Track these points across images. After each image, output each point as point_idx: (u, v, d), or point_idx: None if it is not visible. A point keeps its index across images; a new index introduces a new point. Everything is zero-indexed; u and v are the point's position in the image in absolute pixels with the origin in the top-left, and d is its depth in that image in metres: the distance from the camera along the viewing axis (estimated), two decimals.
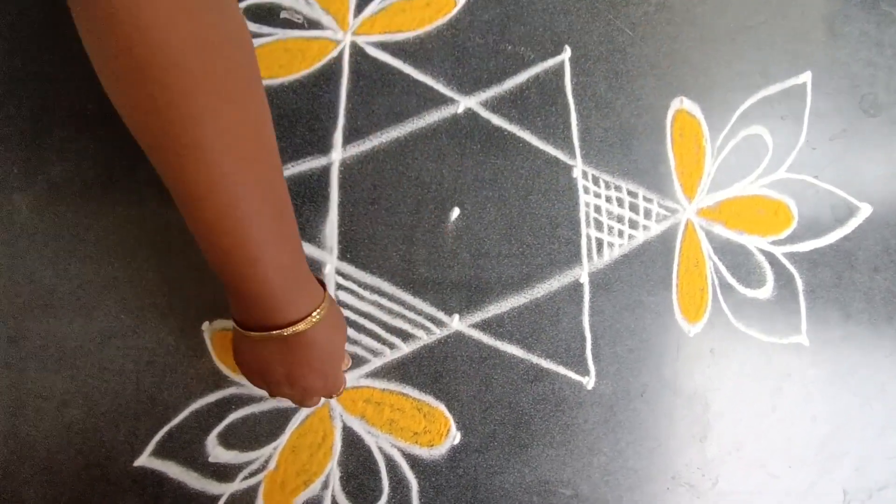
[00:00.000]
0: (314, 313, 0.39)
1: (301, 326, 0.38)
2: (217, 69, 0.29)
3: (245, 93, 0.32)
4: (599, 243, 0.54)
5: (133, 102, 0.30)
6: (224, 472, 0.48)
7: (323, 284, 0.42)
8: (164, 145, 0.30)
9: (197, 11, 0.28)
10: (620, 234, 0.55)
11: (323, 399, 0.49)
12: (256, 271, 0.35)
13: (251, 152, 0.32)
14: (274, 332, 0.38)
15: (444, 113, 0.53)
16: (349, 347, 0.51)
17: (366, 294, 0.51)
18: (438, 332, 0.52)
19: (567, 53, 0.55)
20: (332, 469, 0.50)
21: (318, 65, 0.52)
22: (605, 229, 0.55)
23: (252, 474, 0.49)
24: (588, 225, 0.54)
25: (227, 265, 0.35)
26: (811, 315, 0.57)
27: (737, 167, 0.57)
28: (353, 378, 0.51)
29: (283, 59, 0.52)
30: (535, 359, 0.53)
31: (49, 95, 0.49)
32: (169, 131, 0.29)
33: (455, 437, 0.51)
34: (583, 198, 0.54)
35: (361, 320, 0.51)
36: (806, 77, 0.58)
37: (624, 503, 0.53)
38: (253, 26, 0.51)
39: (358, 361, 0.51)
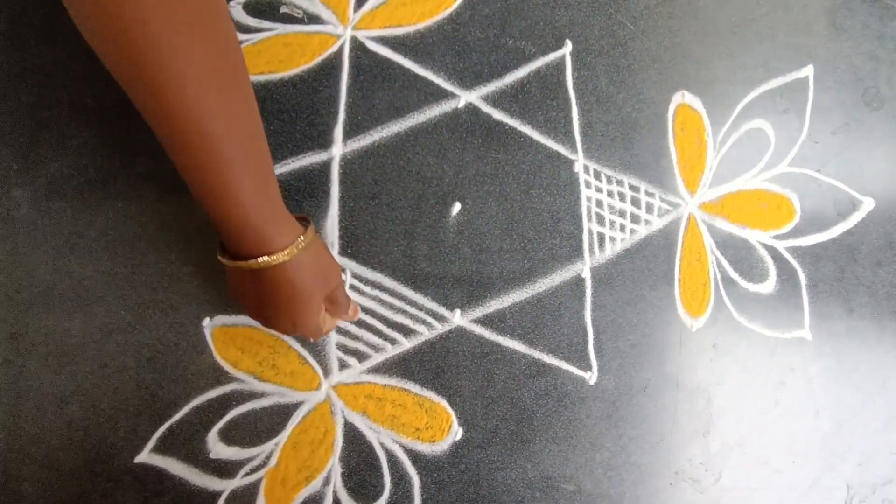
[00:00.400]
0: (280, 252, 0.38)
1: (266, 261, 0.38)
2: (186, 19, 0.30)
3: (206, 20, 0.32)
4: (601, 238, 0.54)
5: (98, 36, 0.31)
6: (225, 469, 0.48)
7: (307, 225, 0.41)
8: (130, 76, 0.32)
9: None
10: (622, 228, 0.55)
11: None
12: (227, 196, 0.36)
13: (218, 78, 0.33)
14: (241, 262, 0.39)
15: (444, 107, 0.53)
16: (349, 343, 0.51)
17: (367, 289, 0.51)
18: (440, 328, 0.52)
19: (568, 48, 0.55)
20: (334, 465, 0.49)
21: (318, 59, 0.52)
22: (607, 224, 0.54)
23: (253, 471, 0.48)
24: (590, 219, 0.54)
25: (200, 189, 0.36)
26: (814, 309, 0.57)
27: (739, 161, 0.57)
28: (354, 374, 0.51)
29: (283, 54, 0.52)
30: (537, 354, 0.52)
31: (48, 92, 0.49)
32: (132, 61, 0.30)
33: (457, 432, 0.51)
34: (584, 192, 0.54)
35: (362, 316, 0.51)
36: (808, 70, 0.58)
37: (627, 498, 0.53)
38: (253, 21, 0.51)
39: (359, 357, 0.51)
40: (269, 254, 0.38)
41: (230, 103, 0.34)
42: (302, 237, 0.40)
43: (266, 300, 0.41)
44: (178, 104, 0.32)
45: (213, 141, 0.33)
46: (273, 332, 0.49)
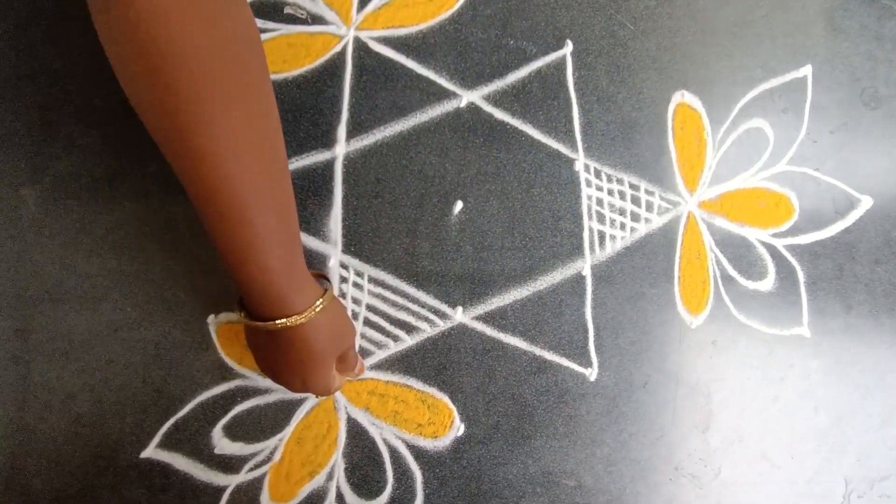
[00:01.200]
0: (298, 315, 0.39)
1: (284, 323, 0.39)
2: (227, 74, 0.31)
3: (254, 94, 0.33)
4: (601, 236, 0.55)
5: (146, 104, 0.31)
6: (230, 464, 0.49)
7: (326, 286, 0.42)
8: (174, 146, 0.32)
9: (211, 18, 0.30)
10: (622, 226, 0.55)
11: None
12: (255, 262, 0.36)
13: (257, 153, 0.34)
14: (259, 323, 0.39)
15: (446, 107, 0.54)
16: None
17: (370, 287, 0.52)
18: (442, 325, 0.52)
19: (569, 48, 0.56)
20: (337, 460, 0.50)
21: (321, 60, 0.53)
22: (608, 222, 0.55)
23: (257, 466, 0.49)
24: (590, 218, 0.55)
25: (228, 254, 0.36)
26: (812, 307, 0.57)
27: (738, 160, 0.57)
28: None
29: (286, 55, 0.52)
30: (538, 351, 0.53)
31: (56, 91, 0.49)
32: (178, 133, 0.31)
33: (459, 428, 0.51)
34: (585, 191, 0.55)
35: (365, 313, 0.51)
36: (806, 70, 0.59)
37: (627, 494, 0.53)
38: (257, 22, 0.52)
39: (362, 353, 0.51)
40: (287, 316, 0.39)
41: (268, 176, 0.35)
42: (321, 300, 0.40)
43: (279, 359, 0.42)
44: (218, 175, 0.32)
45: (247, 212, 0.34)
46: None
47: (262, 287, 0.37)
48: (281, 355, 0.42)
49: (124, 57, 0.30)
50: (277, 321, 0.39)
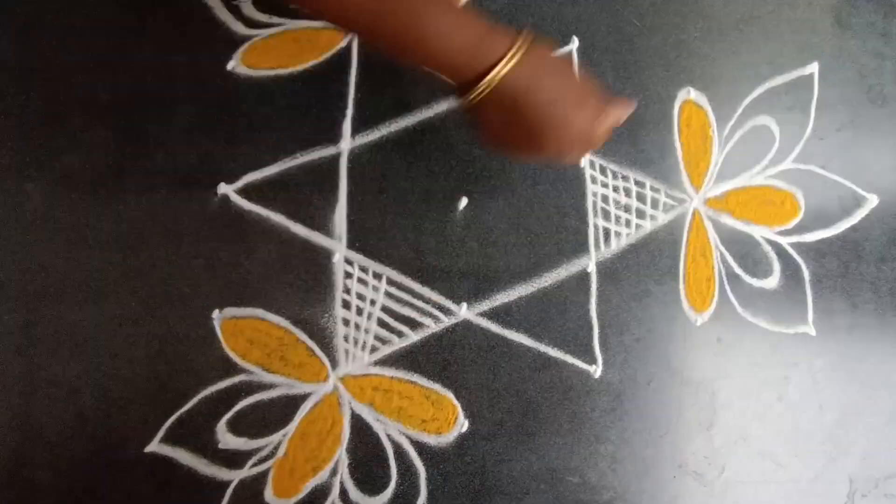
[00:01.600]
0: (504, 59, 0.36)
1: (493, 76, 0.36)
2: None
3: None
4: (607, 233, 0.55)
5: None
6: (234, 459, 0.49)
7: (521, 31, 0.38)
8: None
9: None
10: (628, 223, 0.55)
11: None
12: (427, 29, 0.36)
13: None
14: (478, 87, 0.37)
15: (452, 103, 0.54)
16: (357, 335, 0.51)
17: (374, 283, 0.51)
18: (446, 321, 0.52)
19: (575, 44, 0.56)
20: (341, 456, 0.50)
21: (327, 55, 0.53)
22: (613, 219, 0.55)
23: (261, 461, 0.49)
24: (595, 214, 0.55)
25: (400, 40, 0.37)
26: (817, 305, 0.57)
27: (744, 157, 0.57)
28: (361, 366, 0.51)
29: (292, 50, 0.52)
30: (542, 347, 0.53)
31: (62, 86, 0.49)
32: None
33: (463, 424, 0.51)
34: (590, 187, 0.55)
35: (370, 308, 0.51)
36: (813, 67, 0.59)
37: (631, 491, 0.53)
38: (263, 16, 0.52)
39: (367, 349, 0.51)
40: (492, 66, 0.36)
41: None
42: (519, 39, 0.37)
43: (531, 123, 0.38)
44: None
45: None
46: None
47: (447, 49, 0.36)
48: (530, 117, 0.38)
49: None
50: (490, 74, 0.36)
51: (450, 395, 0.52)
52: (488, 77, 0.37)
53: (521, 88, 0.37)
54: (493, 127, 0.40)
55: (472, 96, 0.38)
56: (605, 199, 0.55)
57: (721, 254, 0.56)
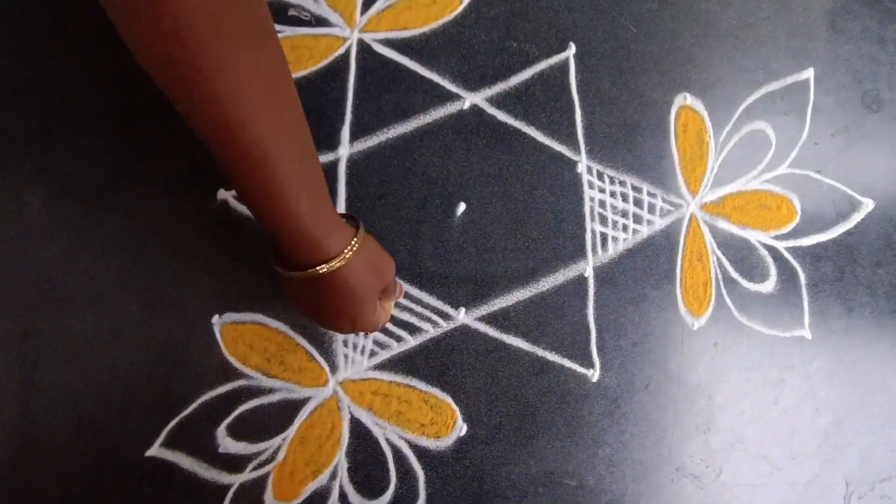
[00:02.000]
0: (335, 259, 0.39)
1: (322, 270, 0.38)
2: (229, 15, 0.30)
3: (258, 36, 0.32)
4: (604, 238, 0.55)
5: (154, 57, 0.31)
6: (233, 463, 0.49)
7: (357, 225, 0.42)
8: (187, 97, 0.32)
9: None
10: (625, 228, 0.55)
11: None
12: (284, 207, 0.36)
13: (270, 95, 0.33)
14: (298, 272, 0.39)
15: (449, 109, 0.54)
16: (356, 340, 0.51)
17: None
18: (445, 326, 0.52)
19: (572, 50, 0.56)
20: (340, 460, 0.50)
21: (325, 62, 0.53)
22: (610, 224, 0.55)
23: (261, 465, 0.49)
24: (593, 219, 0.55)
25: (257, 202, 0.36)
26: (814, 309, 0.57)
27: (740, 162, 0.58)
28: (360, 370, 0.51)
29: (290, 57, 0.52)
30: (540, 352, 0.53)
31: (61, 93, 0.50)
32: (189, 81, 0.31)
33: (461, 428, 0.52)
34: (587, 193, 0.55)
35: None
36: (809, 73, 0.59)
37: (628, 494, 0.53)
38: None
39: (365, 354, 0.51)
40: (325, 262, 0.38)
41: (283, 118, 0.35)
42: (354, 239, 0.40)
43: (324, 305, 0.42)
44: (234, 120, 0.32)
45: (268, 154, 0.34)
46: (281, 327, 0.50)
47: (294, 232, 0.37)
48: (325, 301, 0.41)
49: (128, 12, 0.30)
50: (317, 268, 0.38)
51: (448, 400, 0.52)
52: (319, 269, 0.38)
53: (336, 281, 0.40)
54: (297, 296, 0.43)
55: (290, 275, 0.40)
56: (602, 204, 0.55)
57: (717, 258, 0.56)
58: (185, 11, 0.28)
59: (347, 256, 0.39)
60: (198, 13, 0.29)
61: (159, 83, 0.32)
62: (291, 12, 0.53)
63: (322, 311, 0.42)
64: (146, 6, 0.28)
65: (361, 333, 0.51)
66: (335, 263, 0.38)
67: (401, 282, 0.51)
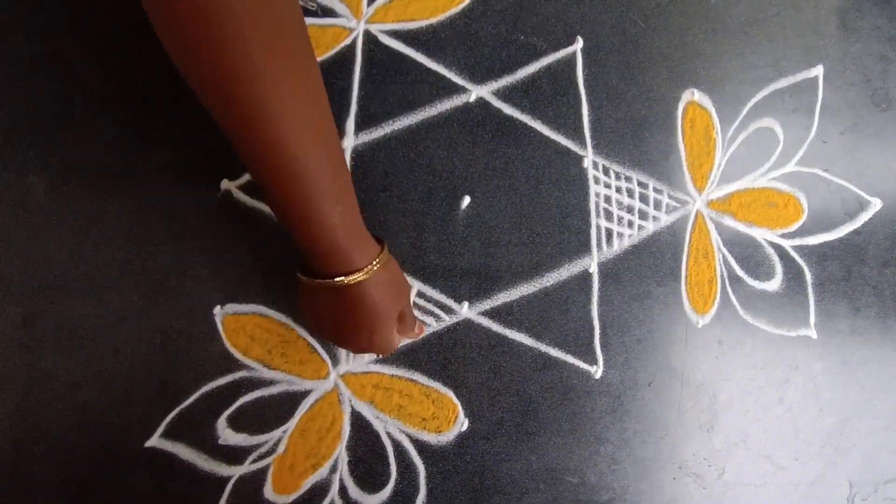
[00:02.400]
0: (360, 272, 0.40)
1: (347, 280, 0.39)
2: (263, 15, 0.31)
3: (292, 39, 0.33)
4: (609, 233, 0.55)
5: (191, 59, 0.32)
6: (234, 455, 0.49)
7: (382, 245, 0.43)
8: (228, 109, 0.33)
9: None
10: (630, 224, 0.55)
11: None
12: (312, 223, 0.37)
13: (310, 112, 0.35)
14: (324, 280, 0.40)
15: (456, 102, 0.54)
16: None
17: None
18: (448, 319, 0.52)
19: (579, 44, 0.56)
20: (341, 453, 0.50)
21: (331, 52, 0.53)
22: (615, 219, 0.55)
23: (261, 457, 0.49)
24: (598, 215, 0.55)
25: (286, 216, 0.38)
26: (819, 308, 0.57)
27: (747, 159, 0.57)
28: (362, 363, 0.51)
29: None
30: (543, 347, 0.53)
31: (67, 80, 0.49)
32: (225, 85, 0.31)
33: (463, 423, 0.51)
34: (593, 188, 0.55)
35: None
36: (818, 70, 0.59)
37: (630, 492, 0.53)
38: None
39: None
40: (350, 273, 0.39)
41: (318, 127, 0.36)
42: (380, 255, 0.41)
43: (344, 318, 0.42)
44: (280, 139, 0.33)
45: (304, 166, 0.35)
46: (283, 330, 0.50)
47: (326, 244, 0.38)
48: (345, 314, 0.42)
49: (167, 12, 0.31)
50: (343, 278, 0.39)
51: (450, 394, 0.52)
52: (345, 279, 0.40)
53: (359, 293, 0.41)
54: (317, 308, 0.44)
55: (318, 283, 0.41)
56: (607, 199, 0.55)
57: (723, 256, 0.56)
58: (233, 21, 0.29)
59: (374, 270, 0.40)
60: (245, 22, 0.30)
61: (199, 91, 0.33)
62: (298, 2, 0.52)
63: (341, 324, 0.43)
64: (195, 15, 0.29)
65: None
66: (360, 276, 0.40)
67: (420, 322, 0.51)
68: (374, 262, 0.40)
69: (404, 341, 0.51)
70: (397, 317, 0.45)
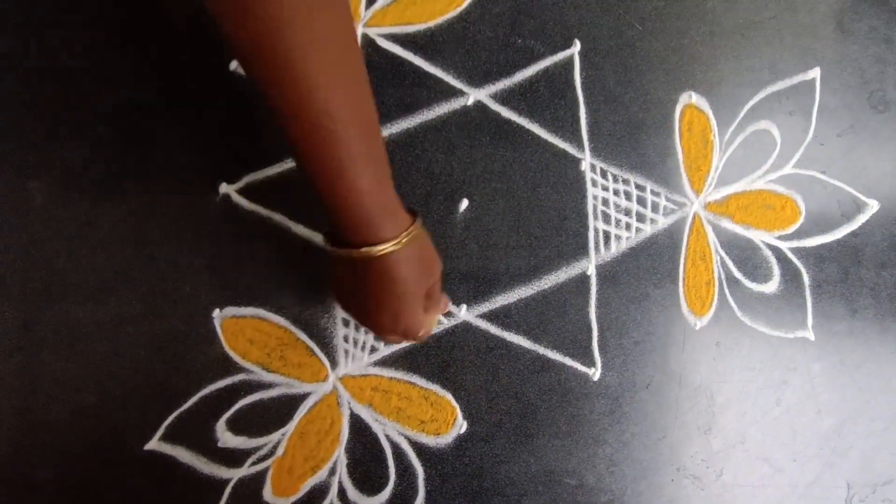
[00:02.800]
0: (389, 242, 0.37)
1: (373, 250, 0.37)
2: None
3: (340, 12, 0.32)
4: (607, 236, 0.55)
5: (235, 15, 0.31)
6: (233, 458, 0.49)
7: (415, 217, 0.41)
8: (261, 56, 0.32)
9: None
10: (628, 227, 0.55)
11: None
12: (339, 185, 0.35)
13: (343, 62, 0.33)
14: (351, 249, 0.38)
15: (453, 105, 0.54)
16: (356, 335, 0.51)
17: None
18: (446, 322, 0.52)
19: (577, 47, 0.56)
20: (340, 456, 0.50)
21: None
22: (613, 222, 0.55)
23: (260, 460, 0.49)
24: (595, 217, 0.55)
25: (316, 179, 0.36)
26: (817, 310, 0.57)
27: (744, 162, 0.57)
28: (360, 366, 0.51)
29: None
30: (541, 350, 0.53)
31: (66, 84, 0.49)
32: (266, 39, 0.31)
33: (461, 425, 0.52)
34: (591, 191, 0.55)
35: None
36: (815, 73, 0.59)
37: (628, 494, 0.53)
38: None
39: (366, 349, 0.51)
40: (379, 243, 0.37)
41: (354, 89, 0.34)
42: (411, 227, 0.39)
43: (368, 293, 0.40)
44: (307, 85, 0.32)
45: (337, 125, 0.33)
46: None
47: (354, 209, 0.36)
48: (370, 288, 0.40)
49: None
50: (370, 248, 0.37)
51: (448, 397, 0.52)
52: (372, 249, 0.37)
53: (386, 266, 0.38)
54: (342, 281, 0.42)
55: (343, 252, 0.38)
56: (605, 202, 0.55)
57: (721, 258, 0.56)
58: None
59: (403, 241, 0.38)
60: None
61: (235, 43, 0.32)
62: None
63: (365, 299, 0.41)
64: None
65: (363, 329, 0.51)
66: (388, 247, 0.37)
67: (446, 296, 0.49)
68: (404, 235, 0.38)
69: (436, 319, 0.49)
70: (426, 295, 0.42)
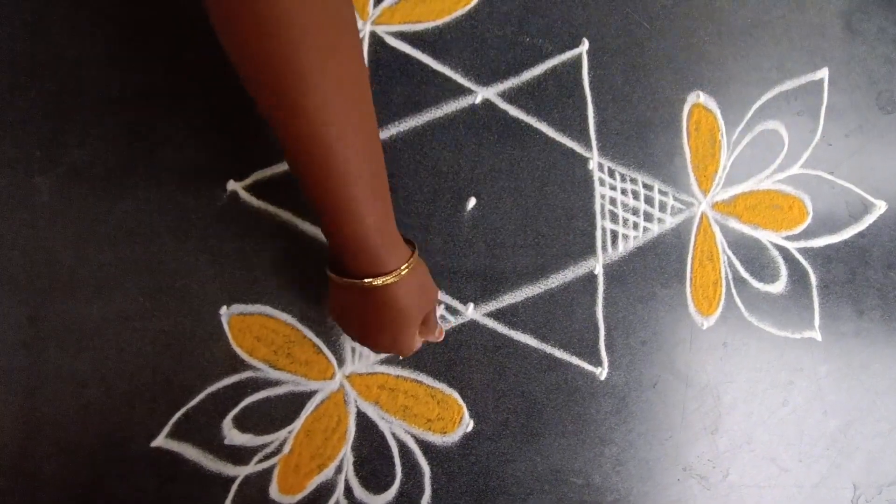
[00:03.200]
0: (391, 274, 0.40)
1: (376, 282, 0.39)
2: (324, 24, 0.31)
3: (348, 47, 0.34)
4: (614, 235, 0.55)
5: (252, 61, 0.32)
6: (239, 455, 0.49)
7: (413, 248, 0.43)
8: (277, 102, 0.33)
9: None
10: (635, 226, 0.55)
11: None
12: (348, 223, 0.37)
13: (353, 106, 0.35)
14: (353, 280, 0.40)
15: (461, 103, 0.54)
16: None
17: None
18: (453, 321, 0.52)
19: (585, 46, 0.56)
20: (346, 454, 0.50)
21: None
22: (620, 221, 0.55)
23: (267, 457, 0.49)
24: (603, 217, 0.55)
25: (323, 214, 0.38)
26: (824, 310, 0.57)
27: (752, 162, 0.57)
28: (367, 364, 0.51)
29: None
30: (548, 348, 0.53)
31: (72, 80, 0.49)
32: (281, 86, 0.32)
33: (468, 424, 0.51)
34: (598, 190, 0.55)
35: None
36: (823, 73, 0.59)
37: (634, 493, 0.53)
38: None
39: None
40: (381, 275, 0.39)
41: (364, 131, 0.36)
42: (411, 258, 0.41)
43: (370, 319, 0.42)
44: (320, 127, 0.33)
45: (348, 166, 0.35)
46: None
47: (359, 244, 0.38)
48: (371, 315, 0.42)
49: (231, 14, 0.31)
50: (373, 280, 0.39)
51: (455, 395, 0.52)
52: (375, 281, 0.40)
53: (388, 295, 0.41)
54: (344, 307, 0.44)
55: (346, 282, 0.41)
56: (612, 201, 0.55)
57: (728, 258, 0.56)
58: (287, 13, 0.30)
59: (403, 273, 0.40)
60: (296, 15, 0.30)
61: (254, 90, 0.34)
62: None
63: (367, 324, 0.43)
64: (250, 7, 0.30)
65: None
66: (390, 278, 0.40)
67: (441, 326, 0.51)
68: (404, 266, 0.40)
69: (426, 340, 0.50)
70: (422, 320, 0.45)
